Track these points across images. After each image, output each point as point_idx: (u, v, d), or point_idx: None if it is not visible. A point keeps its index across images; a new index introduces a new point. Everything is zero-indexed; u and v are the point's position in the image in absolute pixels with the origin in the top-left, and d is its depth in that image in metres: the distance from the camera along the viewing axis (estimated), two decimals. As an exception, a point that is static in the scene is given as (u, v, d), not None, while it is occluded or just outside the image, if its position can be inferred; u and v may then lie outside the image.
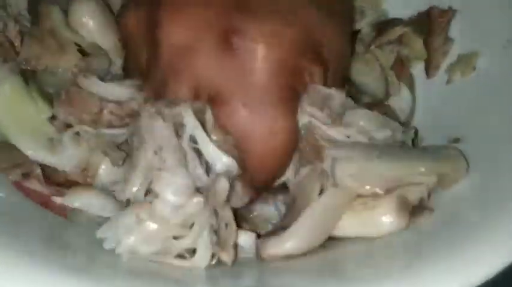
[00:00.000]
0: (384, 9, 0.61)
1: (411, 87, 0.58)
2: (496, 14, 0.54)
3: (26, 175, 0.48)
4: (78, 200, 0.47)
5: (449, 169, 0.43)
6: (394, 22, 0.58)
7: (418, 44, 0.57)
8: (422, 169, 0.42)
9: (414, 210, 0.42)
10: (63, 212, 0.47)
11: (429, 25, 0.57)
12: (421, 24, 0.57)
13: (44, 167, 0.48)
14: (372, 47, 0.57)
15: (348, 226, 0.42)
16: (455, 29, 0.57)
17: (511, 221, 0.38)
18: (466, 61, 0.54)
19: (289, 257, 0.41)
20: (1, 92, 0.49)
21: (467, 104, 0.52)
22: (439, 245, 0.38)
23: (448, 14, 0.56)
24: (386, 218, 0.41)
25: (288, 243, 0.40)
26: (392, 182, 0.42)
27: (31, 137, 0.49)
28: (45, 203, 0.47)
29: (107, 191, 0.48)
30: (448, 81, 0.55)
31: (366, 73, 0.57)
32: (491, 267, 0.35)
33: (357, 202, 0.42)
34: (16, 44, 0.54)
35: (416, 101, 0.58)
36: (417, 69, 0.59)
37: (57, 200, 0.47)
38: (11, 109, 0.49)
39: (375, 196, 0.42)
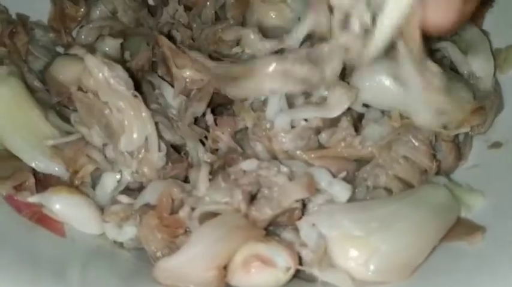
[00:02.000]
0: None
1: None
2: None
3: (18, 187, 0.43)
4: (58, 202, 0.41)
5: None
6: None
7: None
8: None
9: (467, 229, 0.39)
10: (61, 230, 0.42)
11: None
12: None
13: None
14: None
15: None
16: (489, 22, 0.52)
17: None
18: (504, 56, 0.49)
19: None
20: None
21: (508, 102, 0.47)
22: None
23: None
24: None
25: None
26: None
27: (32, 146, 0.45)
28: (41, 220, 0.42)
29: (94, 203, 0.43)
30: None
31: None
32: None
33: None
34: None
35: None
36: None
37: (34, 198, 0.42)
38: (11, 116, 0.45)
39: None
